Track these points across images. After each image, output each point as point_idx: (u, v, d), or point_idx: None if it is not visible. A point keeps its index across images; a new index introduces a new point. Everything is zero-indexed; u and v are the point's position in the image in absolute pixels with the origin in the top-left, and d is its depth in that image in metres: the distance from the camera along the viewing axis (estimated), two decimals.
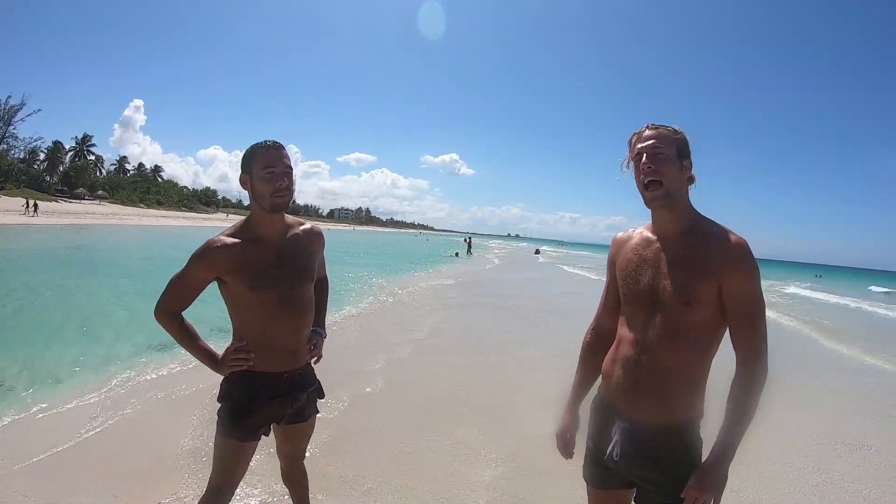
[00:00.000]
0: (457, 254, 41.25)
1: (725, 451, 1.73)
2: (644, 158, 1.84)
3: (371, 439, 4.43)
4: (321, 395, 2.50)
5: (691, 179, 1.90)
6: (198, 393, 5.08)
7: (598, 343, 2.14)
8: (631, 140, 1.93)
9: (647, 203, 1.87)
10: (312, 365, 2.46)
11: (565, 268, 35.64)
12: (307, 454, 2.62)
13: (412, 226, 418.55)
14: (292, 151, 2.24)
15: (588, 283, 23.21)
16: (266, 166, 2.13)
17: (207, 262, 2.15)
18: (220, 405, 2.26)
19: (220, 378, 2.30)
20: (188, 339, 2.24)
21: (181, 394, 5.12)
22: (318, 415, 2.50)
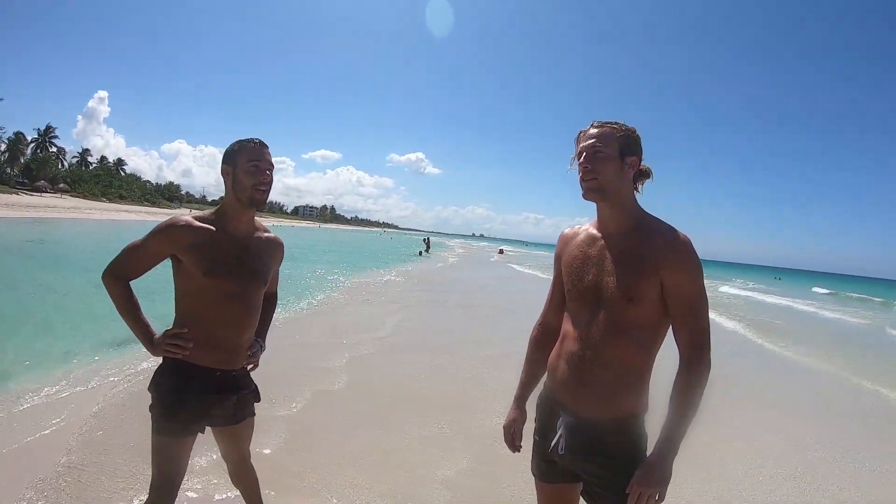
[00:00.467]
0: (420, 252, 41.44)
1: (669, 446, 1.74)
2: (583, 157, 1.87)
3: (331, 437, 4.38)
4: (257, 398, 2.47)
5: (645, 175, 1.92)
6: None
7: (544, 338, 2.16)
8: (578, 137, 1.94)
9: (584, 196, 1.90)
10: (249, 371, 2.43)
11: (516, 267, 36.01)
12: (255, 453, 2.57)
13: (377, 224, 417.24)
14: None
15: (539, 281, 23.51)
16: (252, 159, 2.18)
17: (169, 235, 2.15)
18: (151, 401, 2.20)
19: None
20: (130, 308, 2.19)
21: (135, 390, 4.97)
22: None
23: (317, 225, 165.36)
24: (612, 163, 1.84)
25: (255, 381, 2.44)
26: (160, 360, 2.23)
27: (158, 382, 2.20)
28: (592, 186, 1.85)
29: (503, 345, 8.72)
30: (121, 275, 2.20)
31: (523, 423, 2.19)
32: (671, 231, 1.82)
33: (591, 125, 1.90)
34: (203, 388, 2.20)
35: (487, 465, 4.12)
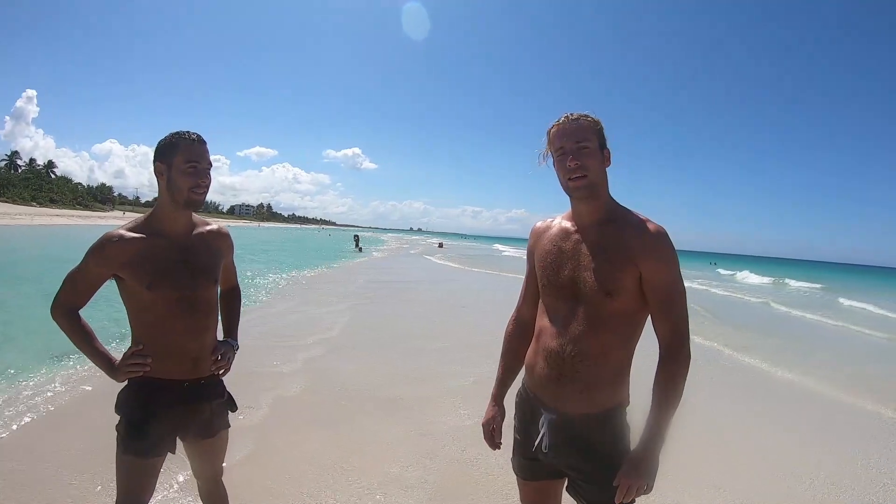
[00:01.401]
0: (360, 249, 41.15)
1: (656, 437, 1.71)
2: (569, 155, 1.80)
3: (295, 445, 4.25)
4: (233, 407, 2.34)
5: (606, 162, 1.88)
6: (98, 404, 4.61)
7: (520, 332, 2.13)
8: (549, 131, 1.88)
9: (571, 194, 1.85)
10: (220, 376, 2.27)
11: (432, 258, 36.04)
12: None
13: (314, 221, 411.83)
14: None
15: (457, 272, 24.00)
16: (190, 160, 2.02)
17: (104, 256, 1.99)
18: (118, 418, 2.08)
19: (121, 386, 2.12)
20: (84, 339, 2.07)
21: (79, 406, 4.73)
22: (230, 429, 2.32)
23: (256, 224, 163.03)
24: (596, 156, 1.81)
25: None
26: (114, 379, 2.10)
27: (125, 401, 2.08)
28: (583, 184, 1.80)
29: (449, 337, 8.77)
30: (67, 307, 2.07)
31: (502, 420, 2.14)
32: (646, 222, 1.81)
33: (566, 119, 1.85)
34: (173, 401, 2.08)
35: (451, 463, 4.09)
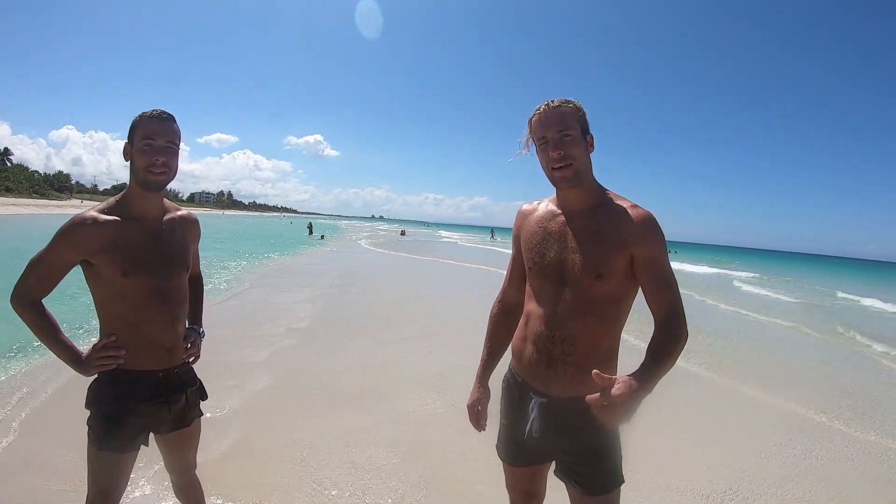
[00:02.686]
0: (322, 236, 41.03)
1: (644, 381, 1.46)
2: (553, 145, 1.79)
3: (266, 437, 4.16)
4: (203, 395, 2.27)
5: (590, 147, 1.86)
6: (63, 397, 4.55)
7: (504, 315, 2.13)
8: (531, 120, 1.86)
9: (556, 184, 1.84)
10: (191, 364, 2.23)
11: (361, 243, 36.38)
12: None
13: (275, 209, 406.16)
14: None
15: (384, 256, 23.96)
16: (146, 136, 1.91)
17: (75, 240, 1.88)
18: (89, 412, 1.99)
19: (89, 379, 2.02)
20: (48, 331, 1.95)
21: (41, 398, 4.54)
22: (203, 417, 2.27)
23: (221, 212, 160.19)
24: (580, 144, 1.80)
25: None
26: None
27: (97, 396, 1.99)
28: (569, 174, 1.79)
29: (412, 325, 8.78)
30: (28, 297, 1.93)
31: (488, 401, 2.12)
32: (636, 207, 1.80)
33: (548, 107, 1.82)
34: (149, 393, 2.01)
35: (427, 449, 4.10)
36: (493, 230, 74.45)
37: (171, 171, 1.97)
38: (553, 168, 1.80)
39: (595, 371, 1.39)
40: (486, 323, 2.18)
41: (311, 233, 43.28)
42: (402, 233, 63.47)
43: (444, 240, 54.86)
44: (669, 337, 1.67)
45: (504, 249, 34.84)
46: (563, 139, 1.78)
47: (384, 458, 3.91)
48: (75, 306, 7.33)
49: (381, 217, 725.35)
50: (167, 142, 1.94)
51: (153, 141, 1.92)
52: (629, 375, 1.46)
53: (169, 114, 1.97)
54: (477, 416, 2.11)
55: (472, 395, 2.13)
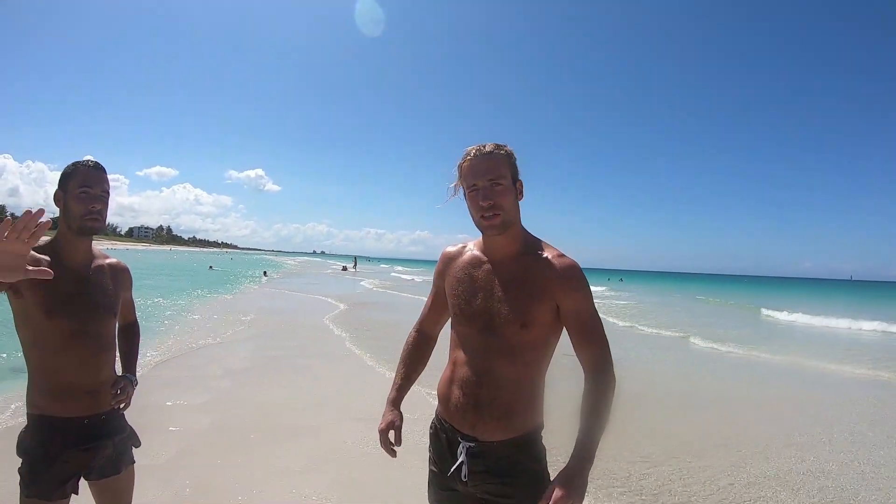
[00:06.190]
0: (265, 273, 40.07)
1: (586, 456, 1.62)
2: (482, 195, 1.76)
3: (204, 481, 3.98)
4: (136, 442, 2.20)
5: (519, 195, 1.84)
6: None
7: (421, 341, 2.12)
8: (462, 165, 1.83)
9: (483, 231, 1.82)
10: (121, 411, 2.14)
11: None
12: None
13: (216, 244, 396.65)
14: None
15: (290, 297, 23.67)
16: (83, 185, 1.95)
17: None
18: (20, 461, 1.94)
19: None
20: None
21: None
22: (135, 464, 2.18)
23: (168, 248, 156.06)
24: (510, 194, 1.78)
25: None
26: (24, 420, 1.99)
27: (24, 442, 1.96)
28: (497, 223, 1.76)
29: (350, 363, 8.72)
30: None
31: (401, 424, 2.00)
32: (560, 256, 1.80)
33: (478, 152, 1.78)
34: (73, 440, 1.96)
35: (362, 484, 4.05)
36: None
37: (103, 218, 2.01)
38: (482, 216, 1.78)
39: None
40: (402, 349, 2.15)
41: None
42: (344, 268, 59.81)
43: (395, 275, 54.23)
44: (599, 392, 1.71)
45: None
46: (493, 188, 1.75)
47: (321, 496, 3.82)
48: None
49: (323, 252, 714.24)
50: (102, 191, 1.99)
51: (90, 189, 1.95)
52: (564, 468, 1.61)
53: (101, 164, 2.02)
54: (388, 440, 1.96)
55: (383, 419, 1.99)
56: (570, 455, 1.64)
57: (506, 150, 1.81)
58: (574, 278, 1.77)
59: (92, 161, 2.00)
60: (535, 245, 1.85)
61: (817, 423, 6.66)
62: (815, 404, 7.73)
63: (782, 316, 23.56)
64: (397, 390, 2.07)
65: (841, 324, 20.69)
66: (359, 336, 11.50)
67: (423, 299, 2.19)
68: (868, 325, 19.94)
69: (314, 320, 14.31)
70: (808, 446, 5.63)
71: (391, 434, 1.97)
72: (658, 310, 24.99)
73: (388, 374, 7.61)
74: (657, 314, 22.06)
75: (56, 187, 2.01)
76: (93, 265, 2.08)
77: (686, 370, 10.29)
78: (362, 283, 35.24)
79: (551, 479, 1.75)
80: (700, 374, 9.97)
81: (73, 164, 2.00)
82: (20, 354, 2.02)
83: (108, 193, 2.02)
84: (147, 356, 8.08)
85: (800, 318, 22.50)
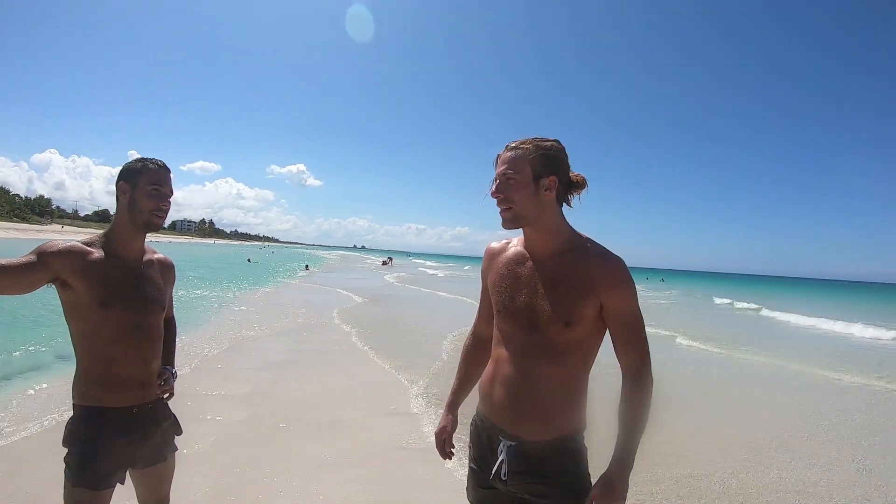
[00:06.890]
0: (307, 266, 40.40)
1: (625, 460, 1.67)
2: (494, 185, 1.78)
3: (241, 472, 4.04)
4: (178, 430, 2.24)
5: (578, 186, 1.82)
6: (44, 432, 4.40)
7: (477, 347, 2.10)
8: (495, 162, 1.84)
9: (502, 225, 1.82)
10: (165, 400, 2.19)
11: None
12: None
13: (257, 238, 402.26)
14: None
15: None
16: (154, 183, 2.02)
17: (56, 255, 1.84)
18: (66, 450, 1.96)
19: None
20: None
21: (24, 433, 4.39)
22: (177, 452, 2.23)
23: (212, 241, 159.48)
24: (524, 189, 1.73)
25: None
26: (71, 410, 2.01)
27: (73, 433, 1.96)
28: (507, 216, 1.77)
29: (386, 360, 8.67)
30: None
31: (454, 430, 2.08)
32: (605, 252, 1.76)
33: (505, 148, 1.79)
34: (123, 429, 2.00)
35: (396, 482, 4.04)
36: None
37: (166, 217, 2.09)
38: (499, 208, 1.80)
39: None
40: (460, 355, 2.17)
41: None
42: (384, 262, 61.83)
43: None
44: (638, 394, 1.72)
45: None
46: (506, 182, 1.75)
47: (356, 491, 3.83)
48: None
49: (364, 247, 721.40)
50: (170, 190, 2.08)
51: (161, 187, 2.03)
52: (605, 472, 1.67)
53: (168, 167, 2.10)
54: (443, 443, 2.08)
55: (440, 423, 2.09)
56: (609, 458, 1.67)
57: (530, 145, 1.76)
58: (619, 276, 1.73)
59: (161, 161, 2.07)
60: (579, 241, 1.80)
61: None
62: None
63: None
64: (454, 395, 2.13)
65: None
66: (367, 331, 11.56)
67: (439, 294, 2.18)
68: None
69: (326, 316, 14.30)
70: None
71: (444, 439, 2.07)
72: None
73: (388, 368, 7.83)
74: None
75: (116, 180, 2.05)
76: (144, 259, 2.12)
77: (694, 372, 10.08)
78: (386, 276, 35.63)
79: (592, 481, 1.76)
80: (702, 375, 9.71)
81: (141, 160, 2.05)
82: (32, 350, 2.05)
83: (172, 193, 2.10)
84: (191, 346, 8.32)
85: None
